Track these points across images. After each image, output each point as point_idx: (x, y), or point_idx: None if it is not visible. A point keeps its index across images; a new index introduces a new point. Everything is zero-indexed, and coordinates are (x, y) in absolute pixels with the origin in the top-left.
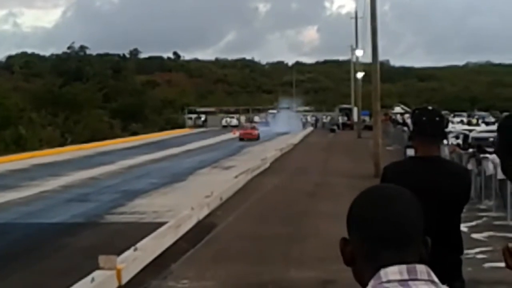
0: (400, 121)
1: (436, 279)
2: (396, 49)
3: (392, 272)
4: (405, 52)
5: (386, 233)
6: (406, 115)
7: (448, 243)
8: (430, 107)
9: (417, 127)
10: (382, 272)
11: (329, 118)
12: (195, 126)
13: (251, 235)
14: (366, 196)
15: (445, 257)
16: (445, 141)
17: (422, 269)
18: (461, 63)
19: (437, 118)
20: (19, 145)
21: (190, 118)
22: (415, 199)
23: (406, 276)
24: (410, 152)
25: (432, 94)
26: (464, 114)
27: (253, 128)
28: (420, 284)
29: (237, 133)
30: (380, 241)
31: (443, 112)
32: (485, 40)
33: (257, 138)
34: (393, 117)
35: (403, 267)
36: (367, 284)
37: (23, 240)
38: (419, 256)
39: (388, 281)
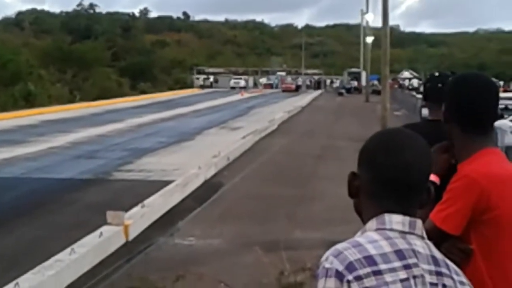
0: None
1: (425, 236)
2: (407, 15)
3: (396, 222)
4: (416, 18)
5: (394, 179)
6: (415, 81)
7: None
8: (437, 73)
9: (429, 91)
10: (387, 217)
11: (338, 81)
12: (204, 86)
13: (257, 195)
14: (381, 139)
15: None
16: None
17: (419, 225)
18: (471, 29)
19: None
20: (28, 101)
21: (198, 78)
22: (427, 147)
23: (407, 229)
24: (425, 111)
25: (441, 60)
26: None
27: None
28: (415, 239)
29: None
30: (387, 185)
31: None
32: (496, 7)
33: None
34: (401, 82)
35: (407, 219)
36: (365, 219)
37: (31, 195)
38: (420, 202)
39: (391, 229)
